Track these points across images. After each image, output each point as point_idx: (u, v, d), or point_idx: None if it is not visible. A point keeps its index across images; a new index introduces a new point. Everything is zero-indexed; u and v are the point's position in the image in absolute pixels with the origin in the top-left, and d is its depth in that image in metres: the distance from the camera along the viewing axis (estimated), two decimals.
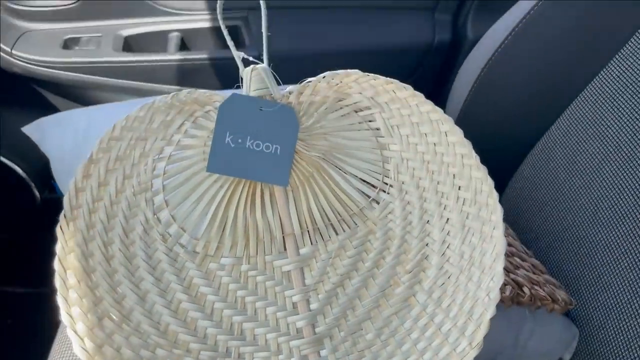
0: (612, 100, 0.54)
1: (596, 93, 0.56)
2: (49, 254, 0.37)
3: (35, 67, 0.82)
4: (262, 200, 0.41)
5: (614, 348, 0.50)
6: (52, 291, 0.36)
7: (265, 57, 0.42)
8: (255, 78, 0.41)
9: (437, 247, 0.41)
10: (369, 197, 0.43)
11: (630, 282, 0.49)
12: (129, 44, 0.86)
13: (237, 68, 0.42)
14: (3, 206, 0.85)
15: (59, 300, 0.37)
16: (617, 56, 0.54)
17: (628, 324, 0.49)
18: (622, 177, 0.52)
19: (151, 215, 0.41)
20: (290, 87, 0.42)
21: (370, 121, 0.43)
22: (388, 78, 0.41)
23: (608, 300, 0.51)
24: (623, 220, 0.51)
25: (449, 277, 0.40)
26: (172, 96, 0.40)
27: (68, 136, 0.68)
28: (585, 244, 0.55)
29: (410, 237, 0.42)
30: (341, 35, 0.85)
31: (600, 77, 0.56)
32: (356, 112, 0.43)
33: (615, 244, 0.51)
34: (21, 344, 0.90)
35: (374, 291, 0.41)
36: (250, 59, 0.42)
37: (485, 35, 0.67)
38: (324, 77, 0.41)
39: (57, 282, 0.37)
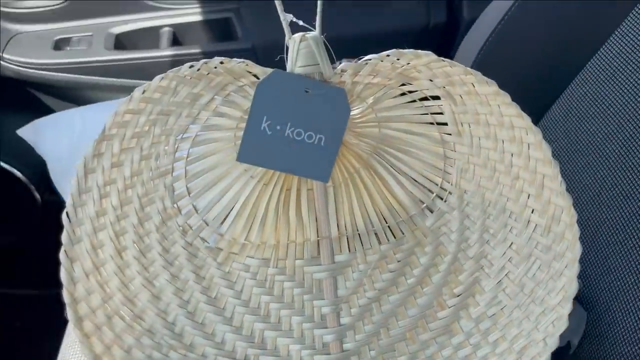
0: (613, 77, 0.52)
1: (596, 70, 0.54)
2: (53, 256, 0.33)
3: (27, 69, 0.78)
4: (297, 196, 0.36)
5: (622, 330, 0.49)
6: (59, 292, 0.32)
7: (318, 22, 0.33)
8: (304, 51, 0.33)
9: (494, 273, 0.35)
10: (422, 203, 0.36)
11: (636, 264, 0.47)
12: (121, 42, 0.83)
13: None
14: (4, 210, 0.85)
15: (65, 295, 0.33)
16: (616, 32, 0.52)
17: (635, 306, 0.47)
18: (625, 156, 0.50)
19: (170, 204, 0.35)
20: (344, 64, 0.34)
21: (436, 114, 0.36)
22: (468, 68, 0.33)
23: (614, 283, 0.50)
24: (627, 201, 0.49)
25: (502, 309, 0.35)
26: (202, 64, 0.33)
27: (63, 137, 0.68)
28: (589, 225, 0.53)
29: (464, 256, 0.36)
30: (334, 21, 0.78)
31: (600, 54, 0.53)
32: (421, 100, 0.36)
33: (620, 224, 0.49)
34: (30, 346, 0.91)
35: (414, 311, 0.36)
36: (300, 22, 0.34)
37: (481, 15, 0.64)
38: (387, 55, 0.33)
39: (63, 276, 0.33)
